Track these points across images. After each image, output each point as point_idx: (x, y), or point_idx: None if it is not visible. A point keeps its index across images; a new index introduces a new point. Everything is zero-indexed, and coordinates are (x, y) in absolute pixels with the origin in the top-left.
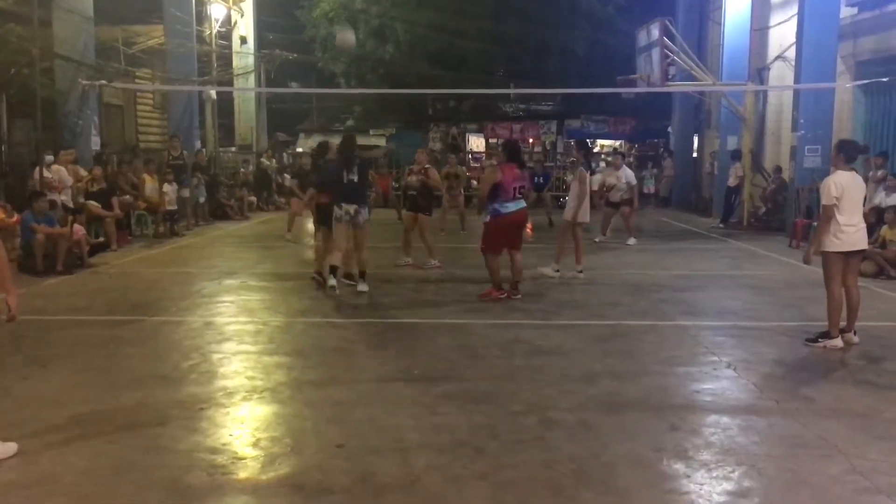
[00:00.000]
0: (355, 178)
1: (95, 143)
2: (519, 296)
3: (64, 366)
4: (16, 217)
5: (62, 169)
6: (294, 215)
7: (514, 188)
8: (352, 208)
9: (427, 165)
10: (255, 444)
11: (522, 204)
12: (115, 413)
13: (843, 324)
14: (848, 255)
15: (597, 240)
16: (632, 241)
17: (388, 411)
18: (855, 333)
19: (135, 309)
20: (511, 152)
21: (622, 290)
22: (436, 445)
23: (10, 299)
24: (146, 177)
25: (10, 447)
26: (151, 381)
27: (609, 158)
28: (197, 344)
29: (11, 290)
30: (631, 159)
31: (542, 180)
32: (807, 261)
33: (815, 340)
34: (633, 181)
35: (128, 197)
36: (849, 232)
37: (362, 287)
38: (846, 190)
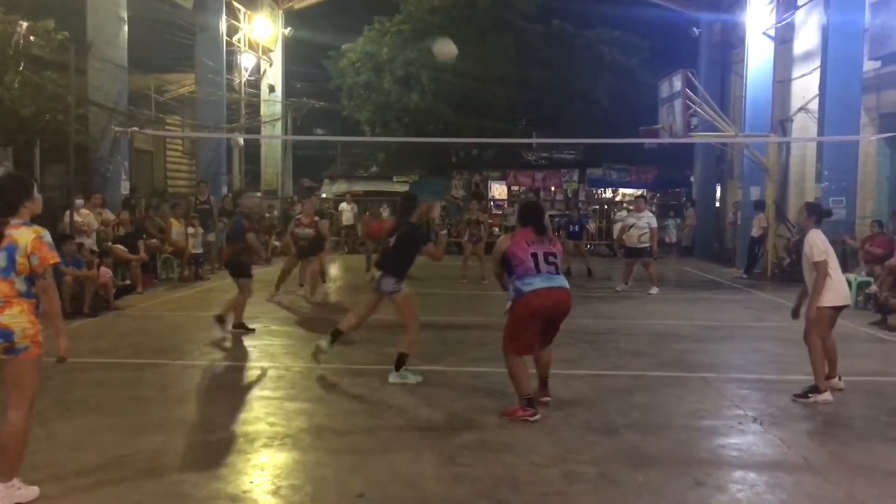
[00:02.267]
0: (391, 242)
1: (125, 187)
2: (548, 398)
3: (87, 409)
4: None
5: (90, 213)
6: (315, 268)
7: (536, 255)
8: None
9: (317, 218)
10: (276, 493)
11: (559, 281)
12: (137, 458)
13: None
14: (836, 311)
15: (618, 289)
16: (654, 290)
17: (408, 460)
18: (840, 378)
19: (159, 352)
20: (524, 216)
21: (644, 340)
22: (456, 497)
23: (61, 340)
24: (173, 221)
25: (32, 491)
26: (172, 426)
27: (630, 206)
28: (219, 389)
29: (62, 330)
30: (653, 207)
31: (577, 228)
32: (796, 315)
33: (804, 396)
34: (654, 225)
35: (154, 241)
36: (841, 287)
37: (393, 378)
38: (829, 247)
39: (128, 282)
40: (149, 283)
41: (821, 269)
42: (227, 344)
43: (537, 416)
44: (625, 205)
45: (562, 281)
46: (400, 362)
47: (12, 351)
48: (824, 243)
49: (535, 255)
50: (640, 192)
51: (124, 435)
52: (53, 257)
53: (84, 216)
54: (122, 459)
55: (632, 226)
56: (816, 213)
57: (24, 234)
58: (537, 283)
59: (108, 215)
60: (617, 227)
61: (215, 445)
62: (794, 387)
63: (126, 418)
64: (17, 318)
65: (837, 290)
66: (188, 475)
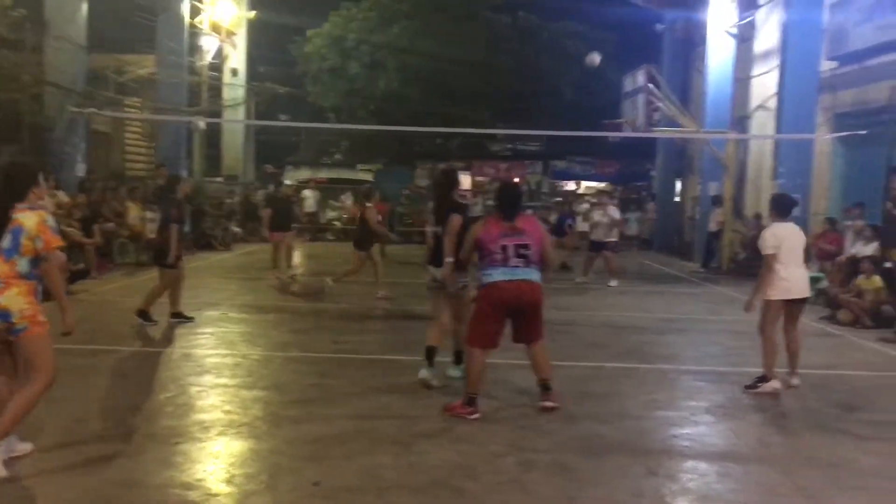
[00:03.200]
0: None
1: (81, 169)
2: (549, 403)
3: None
4: None
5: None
6: (277, 249)
7: (506, 247)
8: (438, 272)
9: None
10: (230, 481)
11: (522, 274)
12: (89, 445)
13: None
14: (789, 304)
15: (578, 280)
16: (614, 282)
17: (365, 449)
18: (797, 375)
19: (113, 338)
20: (498, 197)
21: (603, 331)
22: (414, 485)
23: (65, 316)
24: (130, 204)
25: (25, 446)
26: (127, 413)
27: (594, 200)
28: (174, 376)
29: (66, 307)
30: (615, 200)
31: (571, 221)
32: (748, 308)
33: (753, 386)
34: (617, 217)
35: (111, 224)
36: (789, 280)
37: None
38: (783, 241)
39: (82, 266)
40: (104, 268)
41: (765, 262)
42: (184, 331)
43: (476, 415)
44: (587, 198)
45: (527, 274)
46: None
47: (13, 332)
48: (776, 238)
49: (504, 248)
50: (602, 185)
51: (76, 421)
52: (57, 241)
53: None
54: (73, 446)
55: (598, 223)
56: (776, 206)
57: (30, 218)
58: (497, 275)
59: (62, 197)
60: (579, 220)
61: (170, 433)
62: (747, 379)
63: (78, 405)
64: (15, 299)
65: (782, 285)
66: (141, 463)
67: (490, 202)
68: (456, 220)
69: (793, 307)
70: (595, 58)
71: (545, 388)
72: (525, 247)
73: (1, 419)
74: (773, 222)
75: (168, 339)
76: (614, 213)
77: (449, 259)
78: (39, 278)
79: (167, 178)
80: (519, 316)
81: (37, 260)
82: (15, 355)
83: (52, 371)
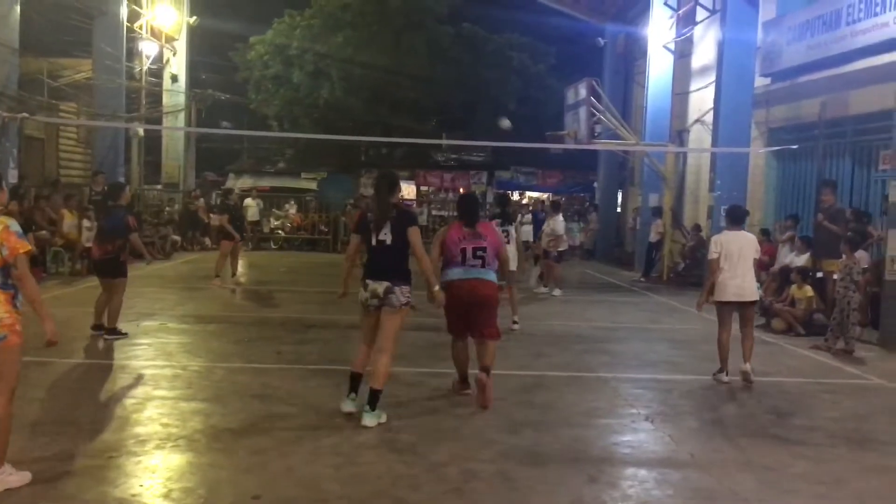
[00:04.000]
0: (388, 239)
1: (13, 176)
2: (468, 391)
3: None
4: None
5: None
6: (224, 256)
7: (465, 250)
8: (381, 287)
9: None
10: (167, 496)
11: (477, 273)
12: (17, 460)
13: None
14: (739, 306)
15: (549, 292)
16: (557, 292)
17: (307, 461)
18: (727, 374)
19: (45, 350)
20: (458, 206)
21: (546, 340)
22: (355, 497)
23: (47, 325)
24: (65, 212)
25: (24, 476)
26: (60, 427)
27: (545, 211)
28: (110, 388)
29: (46, 315)
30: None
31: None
32: (698, 308)
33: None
34: (561, 231)
35: (44, 232)
36: (731, 284)
37: (369, 420)
38: (725, 246)
39: None
40: (38, 277)
41: (709, 266)
42: (120, 342)
43: (468, 391)
44: (530, 207)
45: (481, 273)
46: (376, 398)
47: None
48: (718, 245)
49: (463, 250)
50: (546, 195)
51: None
52: (24, 245)
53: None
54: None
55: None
56: (728, 215)
57: None
58: (454, 274)
59: None
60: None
61: (104, 447)
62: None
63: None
64: None
65: (729, 286)
66: (74, 478)
67: (435, 212)
68: (415, 230)
69: (743, 310)
70: (505, 122)
71: (484, 370)
72: (482, 249)
73: None
74: (724, 230)
75: (104, 351)
76: (559, 223)
77: (428, 268)
78: (14, 287)
79: (108, 185)
80: (473, 309)
81: (6, 268)
82: None
83: (16, 381)
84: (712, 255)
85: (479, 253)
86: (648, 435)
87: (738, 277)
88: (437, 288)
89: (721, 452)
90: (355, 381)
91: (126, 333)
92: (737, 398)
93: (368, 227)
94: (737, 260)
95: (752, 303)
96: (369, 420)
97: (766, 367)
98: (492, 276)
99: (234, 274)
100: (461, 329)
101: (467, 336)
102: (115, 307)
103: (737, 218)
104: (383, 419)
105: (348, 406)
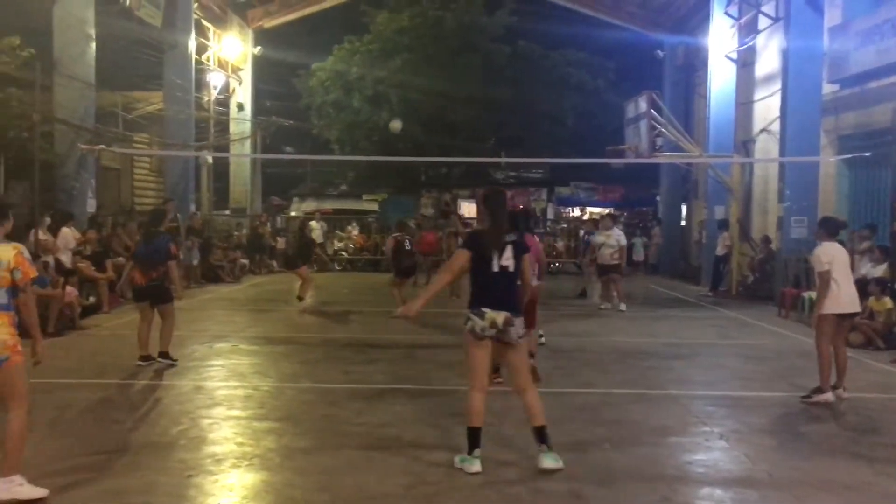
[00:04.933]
0: (511, 266)
1: (91, 205)
2: (500, 380)
3: (49, 431)
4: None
5: (69, 232)
6: (307, 280)
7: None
8: (500, 317)
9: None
10: None
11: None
12: (101, 479)
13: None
14: (840, 318)
15: (602, 307)
16: (623, 307)
17: (377, 479)
18: (844, 389)
19: (125, 372)
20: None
21: (611, 357)
22: None
23: (37, 346)
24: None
25: (38, 491)
26: (139, 447)
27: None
28: (186, 409)
29: (39, 338)
30: (621, 226)
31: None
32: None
33: (808, 397)
34: (624, 242)
35: (121, 259)
36: (843, 296)
37: (551, 461)
38: (835, 258)
39: (92, 299)
40: (115, 303)
41: (820, 278)
42: (194, 363)
43: (499, 380)
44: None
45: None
46: (546, 434)
47: None
48: (828, 255)
49: None
50: (607, 210)
51: (88, 456)
52: (34, 271)
53: (64, 235)
54: (85, 482)
55: (602, 244)
56: (826, 227)
57: (5, 250)
58: None
59: (74, 233)
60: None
61: (183, 466)
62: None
63: (90, 440)
64: None
65: (839, 299)
66: (154, 497)
67: None
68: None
69: (842, 322)
70: (396, 124)
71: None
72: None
73: (7, 455)
74: (824, 242)
75: (179, 373)
76: (619, 236)
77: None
78: (17, 309)
79: (151, 211)
80: None
81: (14, 291)
82: None
83: (27, 398)
84: (822, 266)
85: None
86: (723, 453)
87: (852, 287)
88: None
89: (800, 471)
90: (476, 436)
91: (177, 361)
92: (815, 415)
93: (484, 249)
94: (846, 271)
95: (855, 314)
96: (551, 461)
97: (846, 383)
98: (535, 283)
99: (300, 298)
100: None
101: None
102: (167, 332)
103: (834, 229)
104: (560, 464)
105: (476, 465)
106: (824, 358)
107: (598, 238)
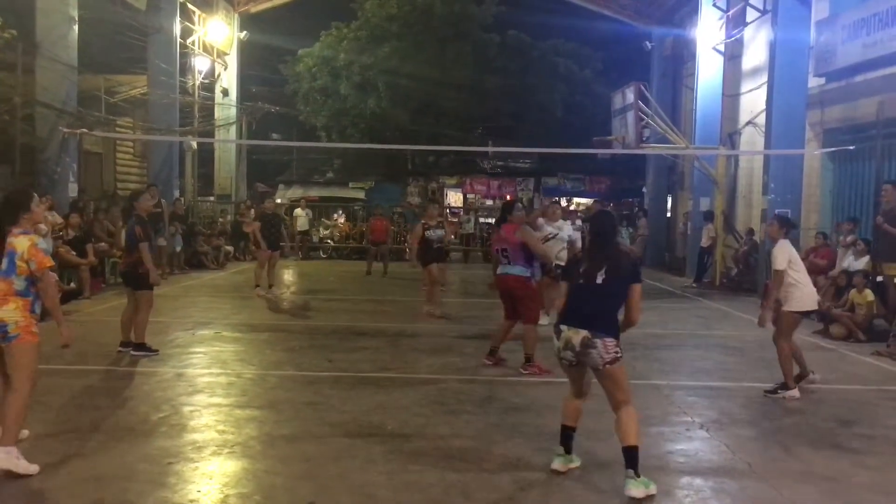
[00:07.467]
0: (601, 278)
1: (73, 189)
2: (489, 363)
3: (29, 417)
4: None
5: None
6: (261, 266)
7: (498, 250)
8: (577, 337)
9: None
10: (224, 501)
11: (503, 269)
12: (80, 465)
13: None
14: (803, 315)
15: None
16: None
17: (360, 468)
18: (813, 372)
19: (106, 358)
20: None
21: None
22: None
23: (63, 329)
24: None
25: (31, 467)
26: (120, 434)
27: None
28: (168, 396)
29: (62, 321)
30: (578, 220)
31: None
32: (764, 324)
33: (773, 392)
34: (575, 239)
35: (103, 244)
36: (808, 295)
37: (635, 489)
38: (792, 256)
39: (73, 286)
40: (97, 288)
41: (777, 276)
42: (176, 350)
43: (489, 363)
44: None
45: (507, 269)
46: (635, 458)
47: (6, 339)
48: (785, 254)
49: (496, 251)
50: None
51: (69, 443)
52: (48, 261)
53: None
54: (65, 467)
55: (550, 237)
56: (783, 224)
57: (21, 242)
58: (500, 269)
59: (56, 218)
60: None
61: (163, 453)
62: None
63: (70, 425)
64: (12, 312)
65: (804, 298)
66: (133, 483)
67: (482, 219)
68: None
69: (800, 318)
70: (191, 144)
71: (526, 359)
72: (506, 250)
73: (6, 427)
74: (782, 240)
75: (161, 360)
76: (570, 231)
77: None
78: (36, 295)
79: (130, 193)
80: (506, 298)
81: (32, 279)
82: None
83: (35, 378)
84: (782, 265)
85: (505, 253)
86: (704, 443)
87: (811, 285)
88: None
89: (780, 462)
90: (567, 436)
91: (157, 351)
92: (795, 406)
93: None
94: (803, 267)
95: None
96: (635, 489)
97: (826, 375)
98: (516, 271)
99: (270, 286)
100: (508, 311)
101: (515, 319)
102: (140, 321)
103: (791, 227)
104: (652, 489)
105: (557, 463)
106: (786, 355)
107: (547, 229)
